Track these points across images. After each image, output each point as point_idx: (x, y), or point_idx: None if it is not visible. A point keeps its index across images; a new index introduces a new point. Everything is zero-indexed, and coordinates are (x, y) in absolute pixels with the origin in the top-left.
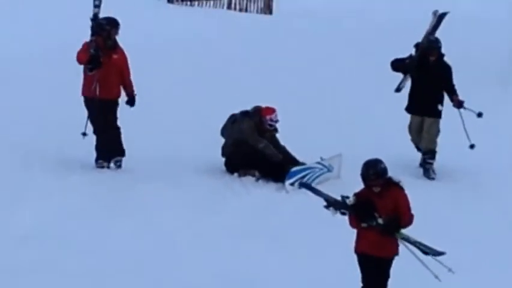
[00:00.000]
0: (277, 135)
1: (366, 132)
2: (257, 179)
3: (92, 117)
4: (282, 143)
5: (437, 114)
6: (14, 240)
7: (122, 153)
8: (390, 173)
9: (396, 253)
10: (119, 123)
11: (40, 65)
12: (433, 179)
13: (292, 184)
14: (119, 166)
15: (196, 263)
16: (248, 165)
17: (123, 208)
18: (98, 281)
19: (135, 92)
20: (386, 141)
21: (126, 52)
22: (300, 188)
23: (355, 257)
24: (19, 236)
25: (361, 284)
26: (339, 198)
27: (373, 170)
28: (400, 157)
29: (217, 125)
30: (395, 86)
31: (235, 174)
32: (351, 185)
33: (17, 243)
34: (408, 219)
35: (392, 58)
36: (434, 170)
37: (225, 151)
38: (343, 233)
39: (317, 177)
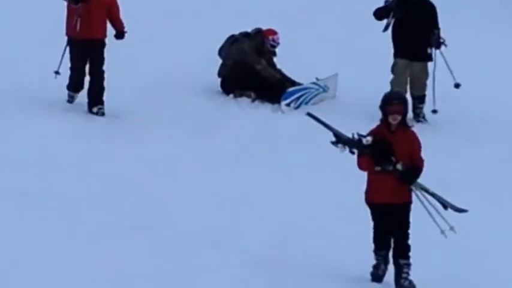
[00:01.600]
0: (274, 58)
1: (362, 52)
2: (253, 100)
3: (72, 56)
4: (278, 65)
5: (428, 57)
6: (11, 164)
7: (101, 102)
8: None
9: (411, 200)
10: (104, 67)
11: None
12: (420, 121)
13: (288, 105)
14: (102, 114)
15: (193, 185)
16: (244, 86)
17: (120, 131)
18: (96, 205)
19: (125, 29)
20: (382, 60)
21: None
22: (308, 116)
23: (349, 178)
24: (18, 160)
25: (371, 233)
26: (350, 135)
27: (398, 95)
28: None
29: (213, 46)
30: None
31: (231, 95)
32: (346, 105)
33: (15, 168)
34: (422, 165)
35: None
36: (425, 115)
37: (222, 72)
38: (338, 154)
39: (313, 97)
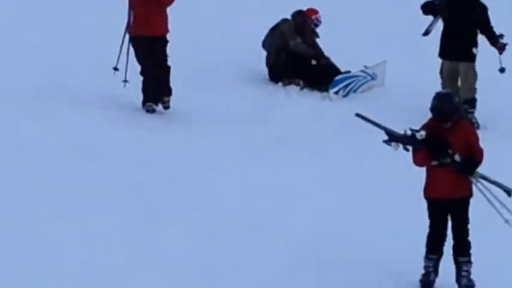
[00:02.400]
0: (322, 46)
1: (411, 39)
2: (301, 88)
3: (139, 58)
4: (326, 52)
5: (472, 58)
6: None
7: (169, 92)
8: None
9: (471, 193)
10: (169, 62)
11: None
12: (477, 128)
13: (336, 92)
14: (167, 107)
15: (239, 174)
16: (292, 73)
17: (169, 120)
18: (141, 193)
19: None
20: (431, 47)
21: None
22: (357, 117)
23: (395, 167)
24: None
25: (427, 230)
26: (403, 131)
27: (449, 105)
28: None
29: (260, 35)
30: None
31: (280, 84)
32: (395, 92)
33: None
34: (480, 157)
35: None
36: (478, 120)
37: (268, 60)
38: (385, 146)
39: (361, 85)
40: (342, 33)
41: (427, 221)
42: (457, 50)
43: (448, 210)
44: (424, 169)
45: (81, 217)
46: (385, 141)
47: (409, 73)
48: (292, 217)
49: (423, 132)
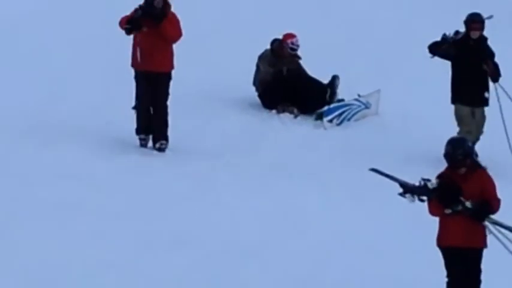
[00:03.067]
0: (313, 71)
1: (405, 68)
2: (295, 116)
3: (137, 90)
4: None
5: (486, 103)
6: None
7: (166, 137)
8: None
9: (485, 244)
10: (169, 102)
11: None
12: None
13: (330, 121)
14: (162, 150)
15: (233, 200)
16: (286, 101)
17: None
18: (136, 219)
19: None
20: (426, 77)
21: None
22: (373, 171)
23: (393, 200)
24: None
25: (446, 279)
26: (417, 182)
27: (462, 150)
28: (442, 93)
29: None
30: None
31: (273, 111)
32: (389, 121)
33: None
34: (497, 206)
35: (430, 42)
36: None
37: (259, 89)
38: (378, 177)
39: (355, 113)
40: (336, 61)
41: (425, 253)
42: (472, 95)
43: (460, 259)
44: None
45: (74, 243)
46: (400, 194)
47: (403, 102)
48: (287, 245)
49: (434, 181)
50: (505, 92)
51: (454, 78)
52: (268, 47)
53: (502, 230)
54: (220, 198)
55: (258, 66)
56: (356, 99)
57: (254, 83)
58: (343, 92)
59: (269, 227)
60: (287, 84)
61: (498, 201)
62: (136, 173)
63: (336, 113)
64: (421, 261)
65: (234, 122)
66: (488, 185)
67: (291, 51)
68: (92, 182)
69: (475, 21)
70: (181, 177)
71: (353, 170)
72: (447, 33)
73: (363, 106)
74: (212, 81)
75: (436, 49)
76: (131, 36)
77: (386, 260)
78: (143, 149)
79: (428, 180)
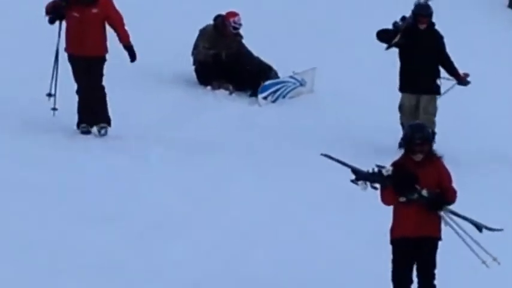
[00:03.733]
0: (250, 47)
1: (341, 46)
2: (230, 93)
3: (75, 75)
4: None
5: (436, 91)
6: None
7: (107, 120)
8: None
9: (440, 236)
10: (104, 82)
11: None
12: None
13: (265, 98)
14: (104, 134)
15: (165, 177)
16: (222, 77)
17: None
18: (66, 195)
19: (131, 43)
20: (362, 56)
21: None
22: (324, 156)
23: (323, 175)
24: None
25: (390, 274)
26: (371, 169)
27: (420, 134)
28: (377, 73)
29: (189, 39)
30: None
31: (208, 88)
32: (323, 99)
33: None
34: (453, 195)
35: (379, 28)
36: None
37: (195, 62)
38: (315, 149)
39: (290, 91)
40: (272, 39)
41: (360, 233)
42: (419, 82)
43: (414, 251)
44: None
45: (9, 221)
46: (352, 181)
47: (338, 80)
48: (217, 221)
49: (389, 168)
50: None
51: (402, 67)
52: (211, 22)
53: (459, 220)
54: (152, 174)
55: (197, 41)
56: (291, 77)
57: (192, 54)
58: (278, 69)
59: (200, 204)
60: (225, 66)
61: (454, 191)
62: (68, 149)
63: (271, 90)
64: (357, 242)
65: (168, 97)
66: (445, 174)
67: (233, 30)
68: (19, 158)
69: (422, 15)
70: (114, 152)
71: (287, 147)
72: (398, 21)
73: (298, 83)
74: (147, 57)
75: (385, 37)
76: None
77: (318, 240)
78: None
79: (383, 167)
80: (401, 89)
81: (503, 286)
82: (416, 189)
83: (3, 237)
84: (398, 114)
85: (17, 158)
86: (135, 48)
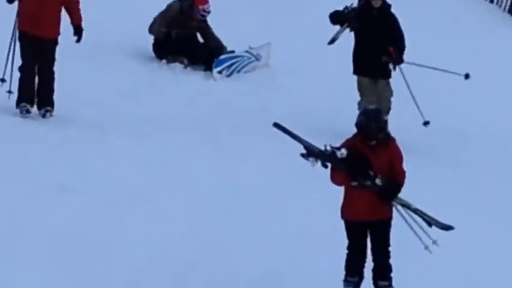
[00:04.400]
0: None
1: (296, 21)
2: (185, 66)
3: (23, 53)
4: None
5: (388, 74)
6: None
7: (51, 104)
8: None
9: (391, 216)
10: (55, 67)
11: None
12: None
13: (220, 72)
14: (48, 117)
15: (122, 150)
16: (177, 51)
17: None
18: (25, 165)
19: (83, 25)
20: (317, 30)
21: None
22: (275, 127)
23: (279, 148)
24: None
25: (345, 251)
26: (323, 147)
27: (376, 124)
28: (331, 48)
29: (147, 14)
30: None
31: (164, 61)
32: (279, 74)
33: None
34: (402, 179)
35: (331, 10)
36: None
37: (154, 34)
38: (269, 123)
39: (245, 65)
40: (228, 13)
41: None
42: (374, 66)
43: (367, 232)
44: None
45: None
46: (302, 155)
47: (293, 55)
48: (175, 196)
49: (344, 151)
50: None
51: (356, 49)
52: None
53: (409, 212)
54: (106, 146)
55: (157, 16)
56: (247, 51)
57: (150, 28)
58: (233, 43)
59: (155, 179)
60: (175, 43)
61: (403, 174)
62: (30, 119)
63: (226, 64)
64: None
65: (123, 71)
66: (397, 157)
67: (200, 17)
68: None
69: None
70: (68, 124)
71: (240, 122)
72: (348, 5)
73: (253, 58)
74: (103, 31)
75: (337, 19)
76: None
77: (276, 214)
78: None
79: (338, 148)
80: (356, 71)
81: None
82: (370, 176)
83: None
84: (354, 94)
85: None
86: (93, 24)
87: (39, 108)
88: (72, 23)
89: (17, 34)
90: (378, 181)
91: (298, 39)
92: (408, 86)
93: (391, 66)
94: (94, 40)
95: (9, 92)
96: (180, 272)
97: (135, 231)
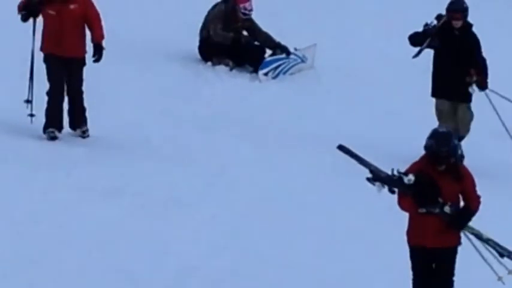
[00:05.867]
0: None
1: (342, 23)
2: (231, 69)
3: (49, 76)
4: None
5: (469, 98)
6: None
7: (85, 121)
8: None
9: (460, 242)
10: (84, 87)
11: None
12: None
13: (265, 74)
14: (87, 136)
15: (167, 152)
16: (222, 53)
17: (96, 97)
18: (69, 168)
19: (103, 44)
20: (363, 32)
21: None
22: (339, 150)
23: (323, 152)
24: None
25: (411, 279)
26: (390, 172)
27: (446, 148)
28: (377, 49)
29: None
30: None
31: (209, 63)
32: (324, 75)
33: None
34: (477, 205)
35: (411, 32)
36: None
37: (200, 37)
38: (315, 126)
39: (291, 67)
40: (273, 15)
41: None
42: (454, 88)
43: (432, 259)
44: None
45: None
46: (368, 180)
47: (339, 57)
48: (220, 198)
49: (412, 177)
50: (496, 93)
51: (435, 70)
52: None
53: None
54: (153, 150)
55: (208, 21)
56: (292, 53)
57: (201, 32)
58: None
59: (200, 181)
60: (222, 45)
61: (478, 199)
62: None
63: (272, 66)
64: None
65: (168, 74)
66: (469, 183)
67: (243, 16)
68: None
69: (455, 10)
70: (113, 128)
71: (286, 124)
72: (429, 22)
73: (299, 60)
74: (147, 34)
75: (418, 41)
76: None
77: (324, 217)
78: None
79: (405, 174)
80: (434, 94)
81: None
82: (439, 203)
83: (4, 210)
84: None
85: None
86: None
87: (73, 128)
88: (92, 40)
89: (42, 56)
90: (446, 209)
91: (344, 41)
92: (500, 118)
93: (470, 90)
94: (138, 43)
95: (31, 115)
96: (220, 280)
97: (180, 234)
